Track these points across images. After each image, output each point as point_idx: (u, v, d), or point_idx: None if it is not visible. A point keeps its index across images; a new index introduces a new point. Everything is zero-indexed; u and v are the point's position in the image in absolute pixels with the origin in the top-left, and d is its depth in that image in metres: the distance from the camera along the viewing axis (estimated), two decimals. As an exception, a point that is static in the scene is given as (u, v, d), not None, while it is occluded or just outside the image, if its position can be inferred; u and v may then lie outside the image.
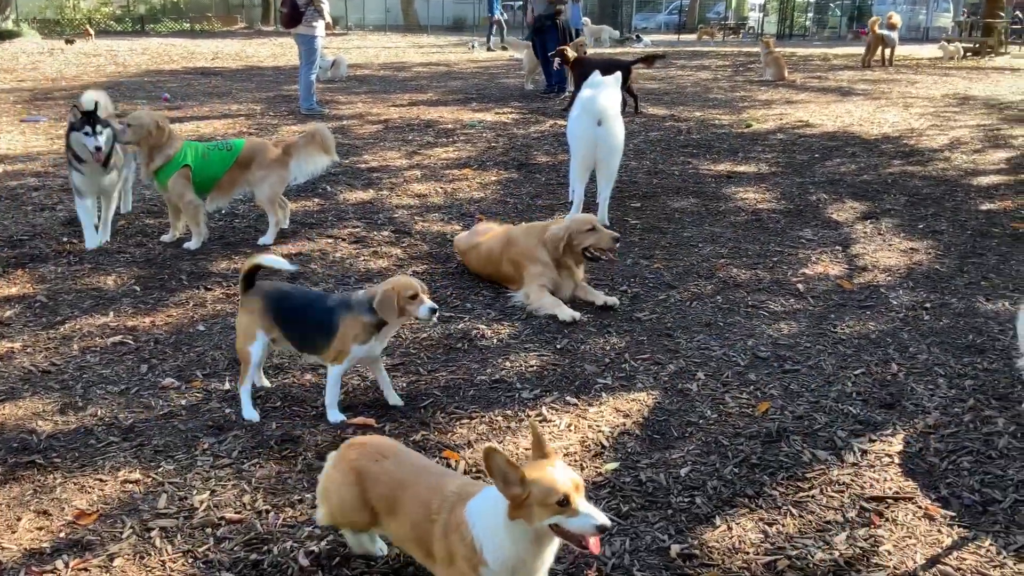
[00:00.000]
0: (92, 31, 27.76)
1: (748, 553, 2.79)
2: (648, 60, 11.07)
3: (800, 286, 5.13)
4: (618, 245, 4.85)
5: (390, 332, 3.60)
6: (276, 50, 21.65)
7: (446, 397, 3.80)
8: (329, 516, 2.59)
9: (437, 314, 3.45)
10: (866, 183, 7.57)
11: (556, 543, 2.22)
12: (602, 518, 2.10)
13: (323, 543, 2.80)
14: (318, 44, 10.93)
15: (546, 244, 4.80)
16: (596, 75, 6.27)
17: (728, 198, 7.09)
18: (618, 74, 6.32)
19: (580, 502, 2.10)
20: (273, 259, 3.64)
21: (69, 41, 22.59)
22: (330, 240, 5.92)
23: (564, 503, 2.08)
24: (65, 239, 5.84)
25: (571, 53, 10.89)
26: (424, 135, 9.44)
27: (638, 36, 27.53)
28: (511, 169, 7.92)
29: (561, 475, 2.12)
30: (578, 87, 10.97)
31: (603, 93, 6.14)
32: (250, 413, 3.61)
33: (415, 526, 2.36)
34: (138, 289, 4.97)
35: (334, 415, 3.60)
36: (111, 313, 4.64)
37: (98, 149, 5.35)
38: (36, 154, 8.42)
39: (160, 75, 15.46)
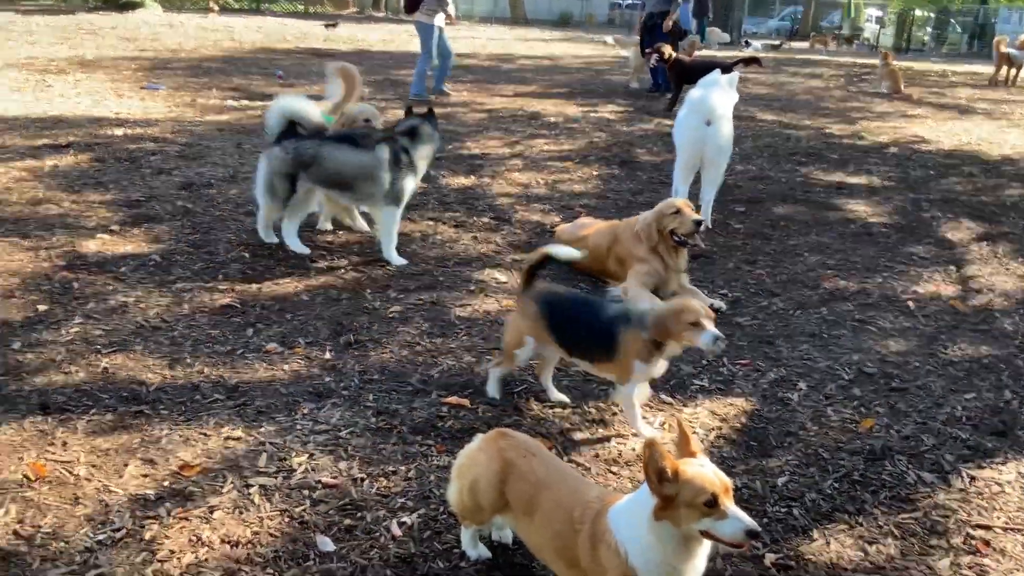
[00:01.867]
0: (216, 7, 28.74)
1: (846, 570, 2.70)
2: (748, 62, 10.83)
3: (911, 303, 4.94)
4: (701, 229, 4.74)
5: (671, 353, 3.31)
6: (386, 36, 21.99)
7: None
8: (458, 495, 2.55)
9: (721, 344, 3.11)
10: (983, 204, 7.25)
11: (707, 547, 2.14)
12: (751, 523, 2.02)
13: (415, 516, 2.83)
14: (433, 33, 11.05)
15: (640, 235, 4.75)
16: (713, 74, 6.16)
17: (837, 209, 6.89)
18: (735, 74, 6.20)
19: (729, 504, 2.03)
20: (562, 249, 3.52)
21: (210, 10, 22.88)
22: (431, 223, 5.98)
23: (712, 504, 2.01)
24: (179, 203, 6.05)
25: (668, 51, 10.75)
26: (527, 126, 9.46)
27: (747, 42, 26.99)
28: (613, 165, 7.86)
29: (711, 475, 2.05)
30: (675, 87, 10.88)
31: (715, 92, 6.03)
32: (494, 391, 3.63)
33: (557, 535, 2.30)
34: (246, 256, 5.11)
35: (645, 428, 3.39)
36: (220, 277, 4.79)
37: None
38: (154, 120, 8.75)
39: (274, 53, 15.89)
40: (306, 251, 5.20)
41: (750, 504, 2.99)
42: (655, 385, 3.80)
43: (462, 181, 7.11)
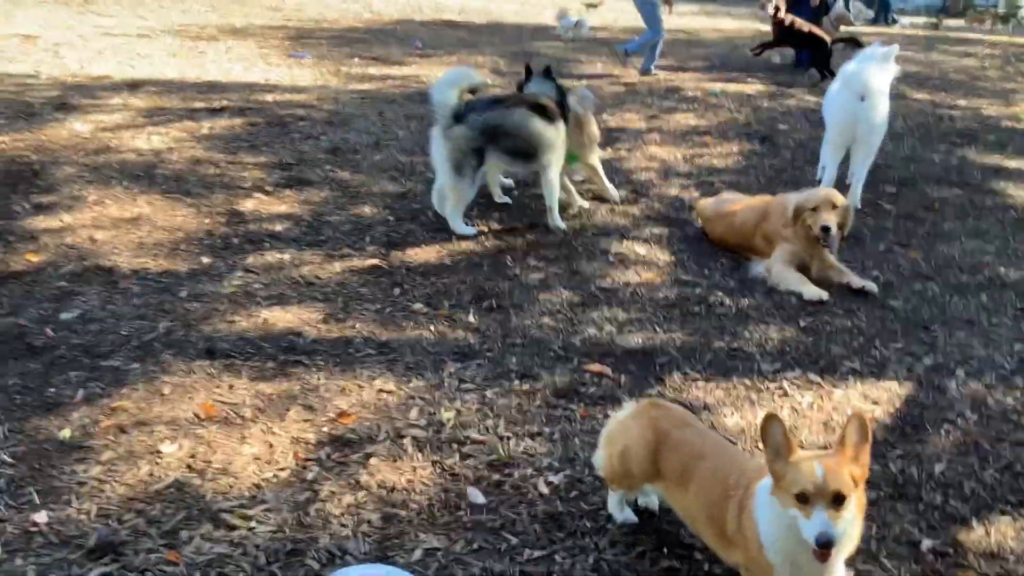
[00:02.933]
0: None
1: (1008, 562, 2.59)
2: (848, 42, 10.32)
3: (1078, 295, 4.64)
4: (829, 235, 4.52)
5: None
6: (520, 8, 22.00)
7: (682, 357, 3.76)
8: (607, 460, 2.57)
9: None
10: None
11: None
12: (828, 532, 1.93)
13: (561, 476, 2.87)
14: (657, 12, 10.93)
15: (794, 215, 4.59)
16: (874, 47, 5.90)
17: (996, 193, 6.51)
18: (895, 46, 5.90)
19: (818, 507, 1.95)
20: None
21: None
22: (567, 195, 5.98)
23: (803, 499, 1.97)
24: (327, 167, 6.26)
25: (782, 12, 10.37)
26: (665, 100, 9.30)
27: (893, 19, 25.65)
28: (754, 141, 7.65)
29: (816, 471, 1.97)
30: (776, 43, 10.74)
31: (870, 66, 5.77)
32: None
33: (712, 504, 2.29)
34: (391, 219, 5.25)
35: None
36: (367, 239, 4.94)
37: None
38: (302, 87, 9.04)
39: (411, 24, 16.16)
40: (473, 232, 5.11)
41: (905, 490, 2.89)
42: (803, 363, 3.72)
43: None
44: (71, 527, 2.55)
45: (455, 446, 3.01)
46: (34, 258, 4.41)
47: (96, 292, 4.10)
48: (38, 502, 2.65)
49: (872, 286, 4.52)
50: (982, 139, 8.23)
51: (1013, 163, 7.40)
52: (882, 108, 5.79)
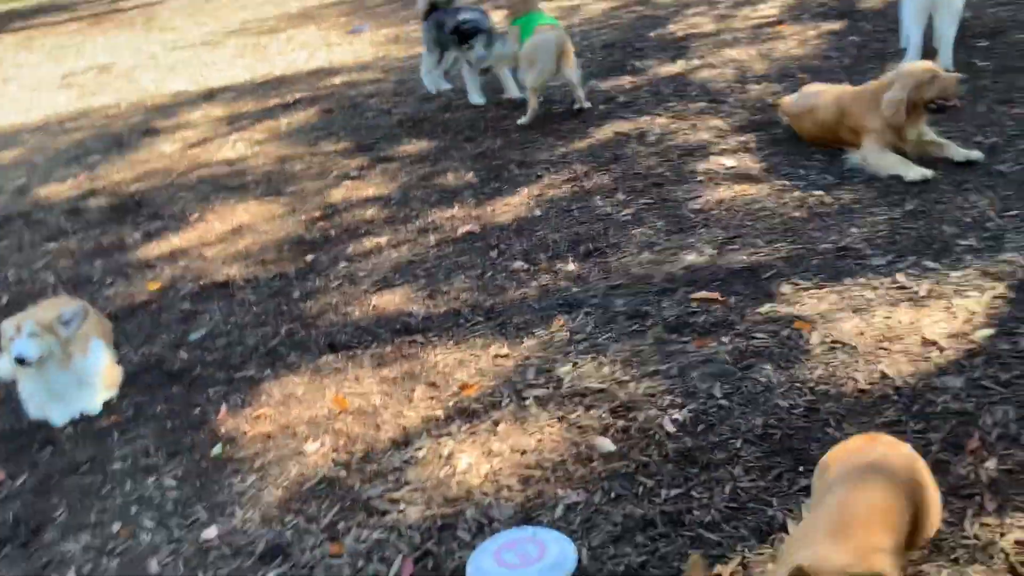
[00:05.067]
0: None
1: None
2: None
3: None
4: (964, 88, 4.33)
5: None
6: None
7: (789, 267, 3.71)
8: None
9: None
10: None
11: None
12: None
13: (685, 411, 2.91)
14: None
15: (885, 115, 4.37)
16: None
17: (1103, 22, 6.04)
18: None
19: None
20: None
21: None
22: (647, 118, 5.89)
23: None
24: (404, 139, 6.34)
25: None
26: (729, -5, 8.95)
27: None
28: (831, 19, 7.30)
29: None
30: None
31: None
32: None
33: None
34: (476, 182, 5.31)
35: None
36: (456, 206, 5.02)
37: None
38: (365, 63, 9.13)
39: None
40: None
41: (1042, 365, 2.80)
42: (917, 250, 3.61)
43: (670, 68, 6.89)
44: (239, 537, 2.77)
45: (577, 399, 3.09)
46: (154, 286, 4.69)
47: (217, 308, 4.34)
48: (206, 518, 2.88)
49: (977, 154, 4.30)
50: (1080, -37, 7.60)
51: (1119, -17, 6.82)
52: (962, -40, 5.43)
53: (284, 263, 4.68)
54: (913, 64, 4.59)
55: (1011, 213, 3.78)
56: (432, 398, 3.27)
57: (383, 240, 4.74)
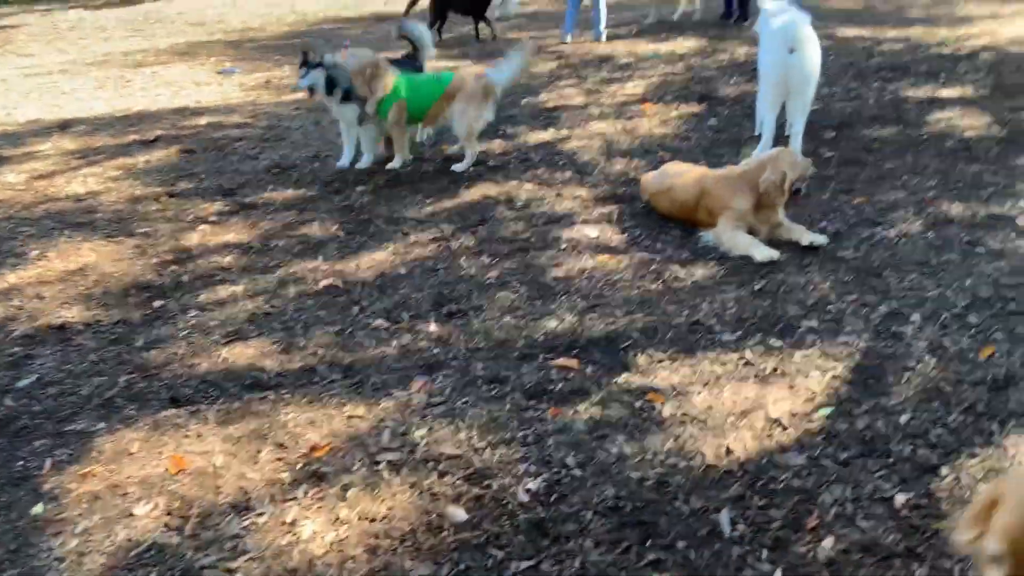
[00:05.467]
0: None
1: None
2: None
3: (1020, 220, 4.73)
4: (800, 195, 4.69)
5: None
6: None
7: (645, 339, 3.79)
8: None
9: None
10: (1091, 103, 6.84)
11: None
12: None
13: (540, 480, 2.89)
14: None
15: (767, 193, 4.59)
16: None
17: (932, 125, 6.61)
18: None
19: None
20: None
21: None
22: (515, 183, 5.98)
23: None
24: (270, 187, 6.19)
25: None
26: (600, 70, 9.29)
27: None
28: (692, 102, 7.68)
29: None
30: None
31: (796, 17, 5.81)
32: None
33: None
34: (341, 235, 5.22)
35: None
36: (319, 258, 4.90)
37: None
38: (234, 105, 8.92)
39: (338, 23, 15.95)
40: None
41: (874, 445, 2.96)
42: (762, 328, 3.77)
43: (541, 136, 7.06)
44: (55, 608, 2.53)
45: (431, 465, 3.02)
46: (-18, 326, 4.32)
47: (51, 353, 4.03)
48: (18, 586, 2.63)
49: (821, 239, 4.58)
50: (915, 70, 8.34)
51: (946, 92, 7.52)
52: (813, 57, 5.84)
53: (129, 308, 4.42)
54: (783, 149, 4.89)
55: (851, 297, 4.01)
56: (279, 459, 3.13)
57: (239, 289, 4.56)
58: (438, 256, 4.84)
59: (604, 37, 11.03)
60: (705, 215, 4.82)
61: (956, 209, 4.95)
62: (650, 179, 5.31)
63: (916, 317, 3.79)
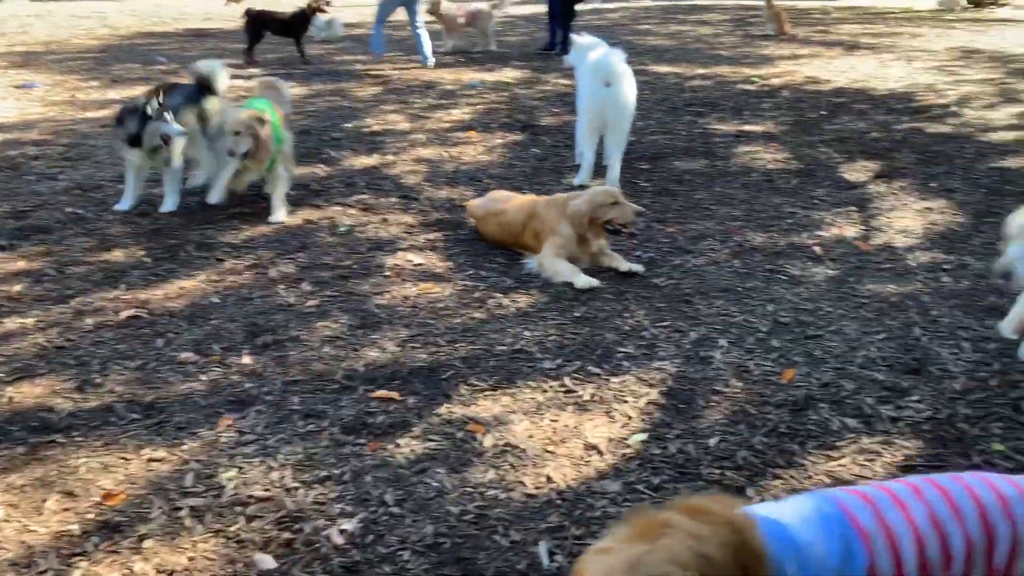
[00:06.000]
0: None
1: (782, 524, 2.77)
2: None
3: (817, 248, 5.08)
4: (641, 219, 4.81)
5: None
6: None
7: (467, 368, 3.76)
8: None
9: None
10: (876, 140, 7.49)
11: None
12: None
13: (355, 521, 2.78)
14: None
15: (570, 219, 4.70)
16: (587, 37, 6.20)
17: (738, 158, 7.01)
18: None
19: None
20: None
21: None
22: (338, 208, 5.84)
23: None
24: (69, 209, 5.75)
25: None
26: (425, 97, 9.30)
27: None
28: (516, 131, 7.81)
29: None
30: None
31: (611, 53, 6.02)
32: None
33: None
34: (148, 261, 4.90)
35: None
36: (122, 286, 4.58)
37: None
38: (33, 122, 8.27)
39: (152, 37, 15.19)
40: None
41: (686, 469, 3.04)
42: (582, 355, 3.82)
43: (365, 161, 6.95)
44: None
45: (238, 509, 2.84)
46: None
47: None
48: None
49: (638, 267, 4.73)
50: (722, 106, 8.86)
51: (751, 126, 8.01)
52: (628, 92, 6.07)
53: None
54: (605, 187, 5.02)
55: (663, 324, 4.15)
56: (67, 509, 2.85)
57: (29, 322, 4.18)
58: (254, 284, 4.63)
59: (431, 63, 11.08)
60: (532, 238, 4.87)
61: (759, 238, 5.25)
62: (477, 204, 5.32)
63: (723, 342, 3.96)
